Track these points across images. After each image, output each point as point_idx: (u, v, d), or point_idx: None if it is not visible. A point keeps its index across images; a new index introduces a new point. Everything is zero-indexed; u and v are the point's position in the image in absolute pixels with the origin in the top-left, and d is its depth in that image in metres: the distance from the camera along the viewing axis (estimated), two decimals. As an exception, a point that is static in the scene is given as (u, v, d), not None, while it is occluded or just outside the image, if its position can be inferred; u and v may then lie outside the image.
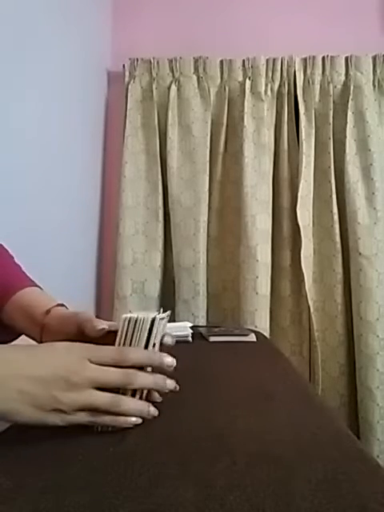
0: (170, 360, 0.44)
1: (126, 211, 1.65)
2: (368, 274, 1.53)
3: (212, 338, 1.09)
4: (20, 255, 0.69)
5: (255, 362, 0.84)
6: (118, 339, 0.44)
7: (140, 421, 0.42)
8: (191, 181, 1.65)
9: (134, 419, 0.42)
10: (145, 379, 0.42)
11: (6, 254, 0.66)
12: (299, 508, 0.29)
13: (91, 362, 0.40)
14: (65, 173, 1.34)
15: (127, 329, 0.44)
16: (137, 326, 0.44)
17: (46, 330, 0.54)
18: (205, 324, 1.57)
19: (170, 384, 0.45)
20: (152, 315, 0.44)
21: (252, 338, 1.12)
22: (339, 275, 1.60)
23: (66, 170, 1.34)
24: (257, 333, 1.24)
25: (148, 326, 0.44)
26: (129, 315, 0.44)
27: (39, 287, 0.64)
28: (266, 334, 1.51)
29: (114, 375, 0.40)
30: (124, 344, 0.44)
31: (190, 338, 1.07)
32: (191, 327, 1.18)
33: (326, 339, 1.60)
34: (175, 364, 0.45)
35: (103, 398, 0.40)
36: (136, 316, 0.44)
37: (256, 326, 1.51)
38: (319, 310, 1.62)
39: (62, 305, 0.59)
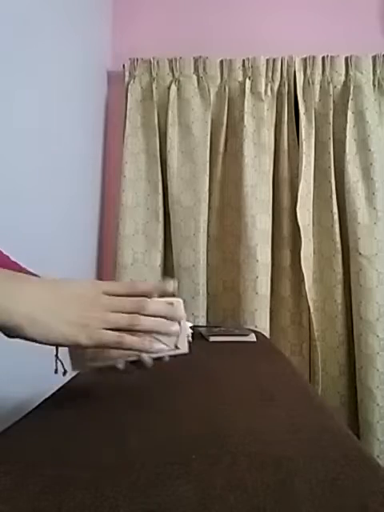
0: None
1: (126, 211, 1.64)
2: (368, 274, 1.52)
3: (212, 338, 1.09)
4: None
5: (255, 362, 0.84)
6: None
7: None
8: (191, 181, 1.65)
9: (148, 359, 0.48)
10: (156, 305, 0.46)
11: (1, 256, 0.66)
12: (299, 508, 0.29)
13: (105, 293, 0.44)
14: (65, 173, 1.34)
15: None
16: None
17: None
18: (205, 324, 1.57)
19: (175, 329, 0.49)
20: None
21: (252, 338, 1.12)
22: (339, 275, 1.59)
23: (65, 170, 1.34)
24: (257, 333, 1.24)
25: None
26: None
27: None
28: (266, 334, 1.51)
29: (127, 301, 0.44)
30: None
31: (190, 338, 1.06)
32: (191, 327, 1.18)
33: (326, 339, 1.60)
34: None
35: (122, 318, 0.43)
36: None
37: (256, 326, 1.50)
38: (319, 310, 1.62)
39: None
